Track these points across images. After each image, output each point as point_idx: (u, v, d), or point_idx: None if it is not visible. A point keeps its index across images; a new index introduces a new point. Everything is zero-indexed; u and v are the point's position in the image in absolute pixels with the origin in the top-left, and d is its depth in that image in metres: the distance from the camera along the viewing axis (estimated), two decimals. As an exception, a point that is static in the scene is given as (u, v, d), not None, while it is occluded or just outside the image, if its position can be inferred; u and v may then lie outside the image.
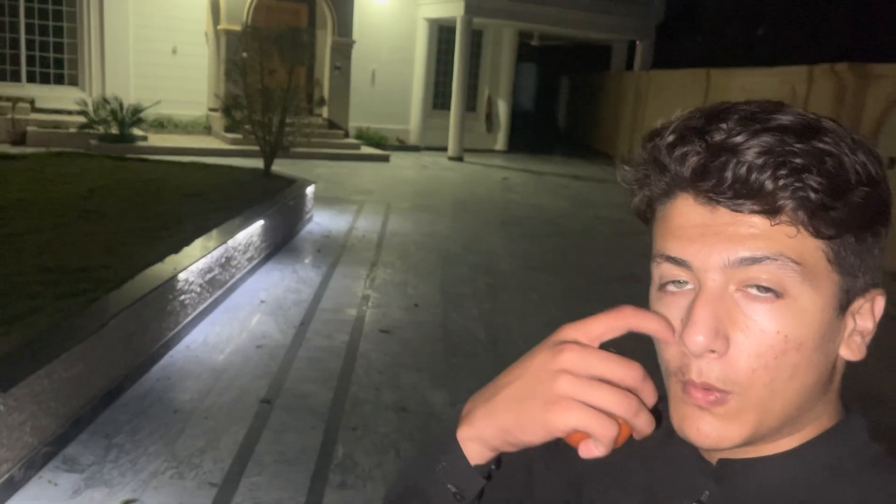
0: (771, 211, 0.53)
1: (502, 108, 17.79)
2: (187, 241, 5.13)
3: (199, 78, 14.36)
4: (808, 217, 0.52)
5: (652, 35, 17.50)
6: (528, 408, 0.55)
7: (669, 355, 0.58)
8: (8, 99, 12.28)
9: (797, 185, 0.52)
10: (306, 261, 6.88)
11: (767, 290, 0.53)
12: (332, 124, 14.51)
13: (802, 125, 0.54)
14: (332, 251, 7.21)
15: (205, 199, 6.81)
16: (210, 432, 3.48)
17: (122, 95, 12.69)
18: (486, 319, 5.51)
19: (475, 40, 16.54)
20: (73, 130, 12.04)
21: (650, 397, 0.55)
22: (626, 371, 0.55)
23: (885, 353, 1.80)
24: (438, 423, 0.65)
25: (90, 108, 12.16)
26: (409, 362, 4.59)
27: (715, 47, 17.12)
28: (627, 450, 0.67)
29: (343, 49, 14.84)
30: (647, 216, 0.62)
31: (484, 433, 0.58)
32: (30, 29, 13.31)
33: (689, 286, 0.57)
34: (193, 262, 4.73)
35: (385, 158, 14.33)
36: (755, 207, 0.53)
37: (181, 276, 4.51)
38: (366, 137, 15.40)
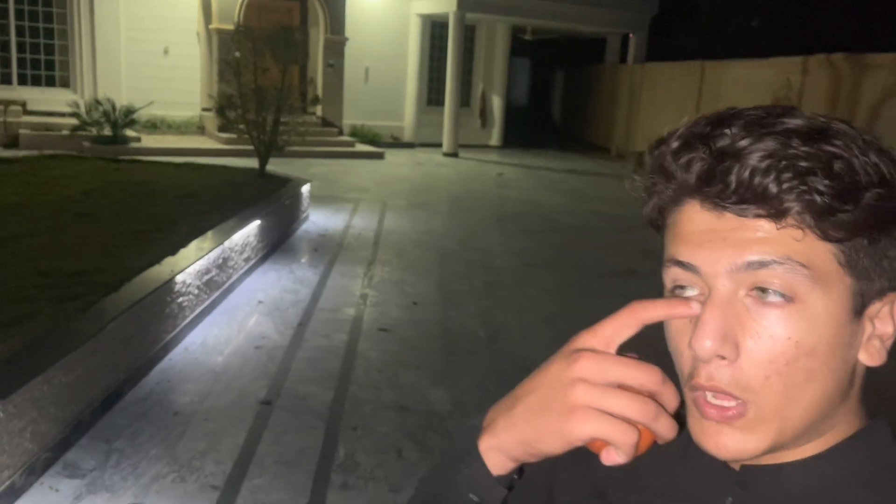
0: (776, 214, 0.52)
1: (497, 104, 17.78)
2: (183, 243, 5.11)
3: (191, 78, 14.31)
4: (815, 220, 0.52)
5: (646, 28, 17.49)
6: (546, 419, 0.55)
7: (682, 361, 0.58)
8: (0, 102, 12.23)
9: (802, 187, 0.51)
10: (303, 260, 6.87)
11: (777, 294, 0.53)
12: (325, 122, 14.48)
13: (810, 128, 0.53)
14: (329, 250, 7.19)
15: (200, 200, 6.78)
16: (210, 435, 3.47)
17: (114, 97, 12.63)
18: (485, 316, 5.50)
19: (468, 36, 16.52)
20: (65, 133, 11.98)
21: (671, 401, 0.55)
22: (644, 375, 0.55)
23: None
24: (460, 432, 0.65)
25: (82, 110, 12.11)
26: (409, 361, 4.58)
27: (709, 39, 17.11)
28: (650, 455, 0.67)
29: (336, 47, 14.80)
30: (658, 223, 0.61)
31: (504, 444, 0.58)
32: (20, 31, 13.26)
33: (699, 291, 0.56)
34: (190, 264, 4.71)
35: (380, 156, 14.31)
36: (760, 211, 0.53)
37: (178, 278, 4.49)
38: (360, 135, 15.38)
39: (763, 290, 0.53)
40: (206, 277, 4.99)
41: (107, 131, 11.97)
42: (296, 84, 10.50)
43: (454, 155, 15.39)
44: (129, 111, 12.31)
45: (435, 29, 16.56)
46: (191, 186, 7.49)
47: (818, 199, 0.51)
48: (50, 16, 13.42)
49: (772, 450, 0.56)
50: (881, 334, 0.57)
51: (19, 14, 13.15)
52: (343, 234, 7.92)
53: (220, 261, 5.29)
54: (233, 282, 5.61)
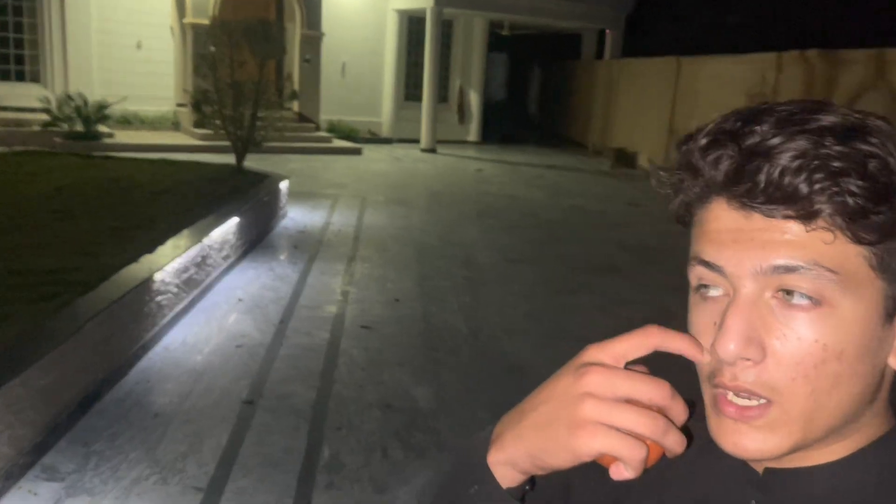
0: (806, 216, 0.51)
1: (474, 99, 17.76)
2: (161, 241, 5.03)
3: (165, 73, 14.11)
4: (847, 222, 0.50)
5: (621, 24, 17.57)
6: (554, 433, 0.55)
7: (702, 361, 0.57)
8: (-32, 97, 11.97)
9: (834, 189, 0.50)
10: (283, 257, 6.80)
11: (804, 297, 0.51)
12: (302, 118, 14.36)
13: (844, 126, 0.51)
14: (309, 247, 7.13)
15: (177, 197, 6.68)
16: (192, 436, 3.41)
17: (86, 92, 12.42)
18: (467, 313, 5.48)
19: (445, 31, 16.47)
20: (36, 128, 11.76)
21: (679, 415, 0.54)
22: (653, 390, 0.54)
23: None
24: (468, 445, 0.63)
25: (53, 106, 11.88)
26: (392, 358, 4.55)
27: (685, 35, 17.23)
28: (670, 460, 0.65)
29: (312, 42, 14.68)
30: (685, 220, 0.59)
31: (513, 458, 0.58)
32: (-12, 25, 12.97)
33: (724, 292, 0.55)
34: (169, 262, 4.63)
35: (357, 151, 14.23)
36: (789, 213, 0.51)
37: (157, 276, 4.41)
38: (337, 130, 15.28)
39: (789, 292, 0.52)
40: (185, 276, 4.92)
41: (79, 127, 11.76)
42: (273, 79, 10.39)
43: (432, 150, 15.36)
44: (102, 106, 12.11)
45: (412, 24, 16.49)
46: (167, 183, 7.38)
47: (850, 200, 0.49)
48: (19, 9, 13.15)
49: (792, 451, 0.55)
50: None
51: (-13, 7, 12.88)
52: (322, 231, 7.86)
53: (199, 258, 5.21)
54: (212, 280, 5.53)
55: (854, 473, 0.56)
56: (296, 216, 8.35)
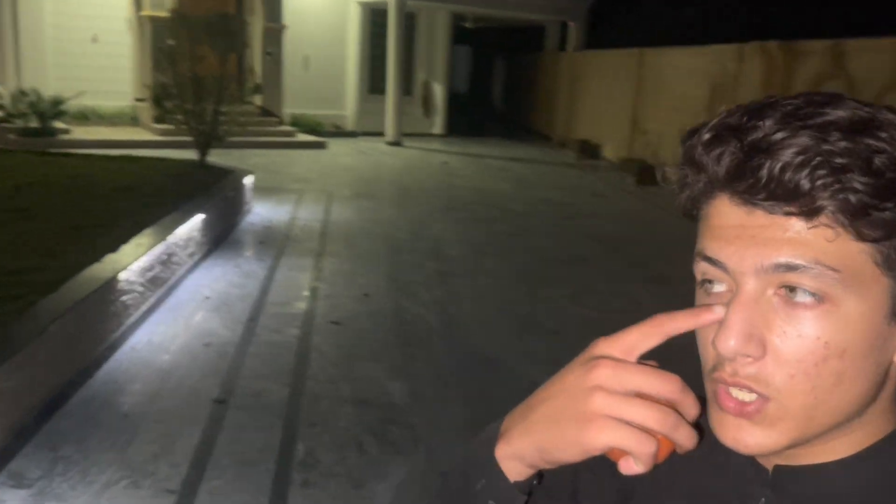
0: (808, 213, 0.50)
1: (439, 92, 17.73)
2: (125, 239, 4.92)
3: (122, 67, 13.81)
4: (850, 220, 0.50)
5: (584, 16, 17.67)
6: (563, 427, 0.54)
7: (706, 355, 0.57)
8: (-84, 93, 11.57)
9: (836, 185, 0.49)
10: (249, 254, 6.72)
11: (807, 294, 0.51)
12: (265, 112, 14.17)
13: (852, 120, 0.51)
14: (276, 243, 7.05)
15: (139, 194, 6.55)
16: (163, 436, 3.35)
17: (41, 87, 12.08)
18: (439, 306, 5.48)
19: (409, 23, 16.38)
20: (-11, 125, 11.42)
21: (690, 410, 0.54)
22: (664, 384, 0.53)
23: None
24: (477, 439, 0.63)
25: (7, 101, 11.55)
26: (364, 353, 4.53)
27: (648, 27, 17.40)
28: (678, 456, 0.65)
29: (274, 35, 14.49)
30: (691, 214, 0.59)
31: (521, 452, 0.57)
32: (-64, 18, 12.55)
33: (727, 287, 0.55)
34: (133, 261, 4.54)
35: (322, 145, 14.11)
36: (791, 209, 0.50)
37: (121, 275, 4.32)
38: (301, 124, 15.12)
39: (792, 289, 0.52)
40: (150, 274, 4.83)
41: (34, 123, 11.45)
42: (235, 73, 10.23)
43: (398, 144, 15.29)
44: (58, 102, 11.80)
45: (375, 17, 16.37)
46: (129, 180, 7.22)
47: (853, 197, 0.49)
48: (-32, 2, 12.74)
49: (792, 447, 0.55)
50: None
51: (-66, 0, 12.45)
52: (289, 226, 7.78)
53: (164, 256, 5.12)
54: (178, 278, 5.44)
55: (862, 471, 0.57)
56: (261, 212, 8.24)
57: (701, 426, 0.56)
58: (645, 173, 11.65)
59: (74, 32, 13.40)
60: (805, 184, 0.49)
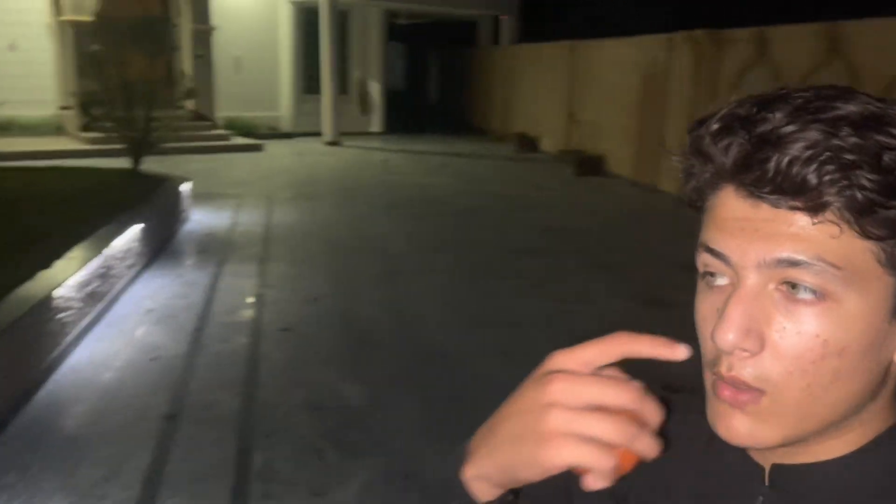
0: (813, 208, 0.50)
1: (375, 89, 17.60)
2: (58, 254, 4.73)
3: (44, 74, 13.26)
4: (855, 217, 0.49)
5: (515, 9, 17.80)
6: (522, 447, 0.53)
7: (705, 347, 0.57)
8: None
9: (844, 182, 0.48)
10: (190, 263, 6.55)
11: (808, 291, 0.51)
12: (198, 116, 13.82)
13: (863, 115, 0.50)
14: (217, 250, 6.88)
15: (72, 207, 6.30)
16: (112, 458, 3.23)
17: (-43, 98, 11.52)
18: (389, 306, 5.44)
19: (341, 21, 16.21)
20: None
21: (652, 417, 0.52)
22: (621, 393, 0.52)
23: None
24: (451, 457, 0.62)
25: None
26: (316, 359, 4.46)
27: (580, 19, 17.63)
28: (674, 457, 0.64)
29: (203, 36, 14.14)
30: (696, 205, 0.58)
31: (486, 473, 0.56)
32: None
33: (729, 280, 0.54)
34: (69, 276, 4.36)
35: (258, 148, 13.85)
36: (796, 204, 0.50)
37: (56, 292, 4.15)
38: (236, 127, 14.80)
39: (794, 285, 0.51)
40: (88, 289, 4.65)
41: (-49, 136, 10.90)
42: (165, 77, 9.93)
43: (336, 143, 15.13)
44: (-25, 113, 11.25)
45: (307, 16, 16.13)
46: (60, 192, 6.94)
47: (860, 194, 0.48)
48: None
49: (787, 443, 0.55)
50: None
51: None
52: (230, 232, 7.61)
53: (102, 270, 4.94)
54: (117, 291, 5.26)
55: (860, 469, 0.56)
56: (200, 219, 8.04)
57: (667, 434, 0.55)
58: (583, 164, 11.82)
59: (-10, 40, 12.81)
60: (812, 179, 0.49)
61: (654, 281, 6.21)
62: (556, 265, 6.66)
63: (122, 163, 8.55)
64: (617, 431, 0.50)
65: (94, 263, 4.80)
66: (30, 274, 4.29)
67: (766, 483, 0.59)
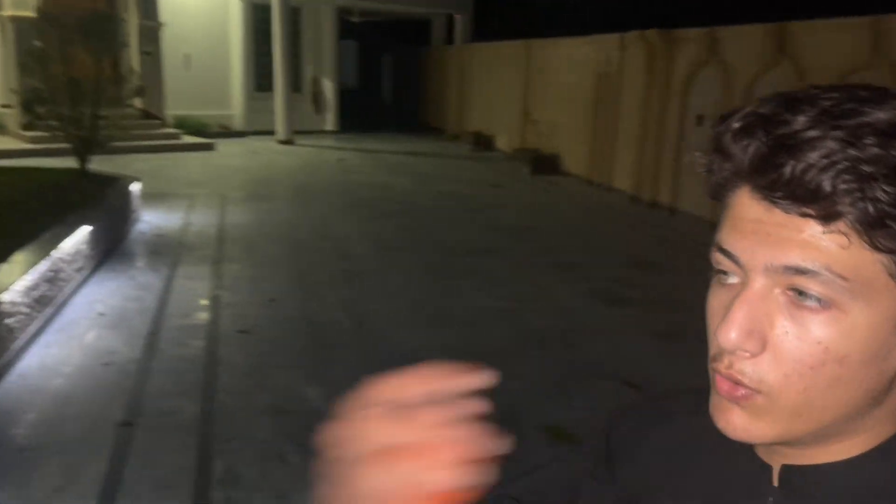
0: (825, 217, 0.49)
1: (329, 88, 17.45)
2: (3, 257, 4.55)
3: (-17, 71, 12.77)
4: (868, 229, 0.49)
5: (469, 8, 17.84)
6: None
7: (710, 343, 0.57)
8: None
9: (858, 193, 0.48)
10: (142, 265, 6.38)
11: (814, 299, 0.50)
12: (147, 114, 13.50)
13: (890, 123, 0.49)
14: (170, 251, 6.72)
15: (17, 208, 6.07)
16: (67, 468, 3.12)
17: None
18: (349, 306, 5.38)
19: (294, 19, 16.01)
20: None
21: (451, 450, 0.49)
22: (409, 432, 0.49)
23: None
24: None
25: None
26: (277, 361, 4.39)
27: (534, 18, 17.74)
28: (684, 457, 0.64)
29: (151, 33, 13.81)
30: (719, 199, 0.58)
31: None
32: None
33: (739, 280, 0.54)
34: (15, 280, 4.20)
35: (210, 147, 13.60)
36: (808, 211, 0.49)
37: (2, 297, 3.99)
38: (186, 126, 14.50)
39: (800, 291, 0.51)
40: (36, 293, 4.48)
41: None
42: (112, 74, 9.66)
43: (290, 142, 14.95)
44: None
45: (258, 12, 15.89)
46: (4, 193, 6.69)
47: (873, 207, 0.48)
48: None
49: (783, 440, 0.55)
50: None
51: None
52: (183, 233, 7.44)
53: (50, 273, 4.77)
54: (67, 295, 5.09)
55: (869, 471, 0.57)
56: (151, 220, 7.85)
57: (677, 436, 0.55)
58: (539, 163, 11.91)
59: (-76, 35, 12.29)
60: (826, 187, 0.48)
61: (612, 278, 6.29)
62: (514, 264, 6.69)
63: (68, 162, 8.28)
64: (410, 483, 0.48)
65: (42, 267, 4.63)
66: (-26, 278, 4.12)
67: (776, 483, 0.59)
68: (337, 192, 10.08)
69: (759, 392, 0.53)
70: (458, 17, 17.92)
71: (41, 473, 3.06)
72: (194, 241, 7.12)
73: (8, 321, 4.04)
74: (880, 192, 0.47)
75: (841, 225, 0.49)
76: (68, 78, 7.87)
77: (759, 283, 0.52)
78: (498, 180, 11.36)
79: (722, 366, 0.54)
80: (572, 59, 11.63)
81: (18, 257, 4.64)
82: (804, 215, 0.49)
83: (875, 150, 0.48)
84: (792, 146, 0.49)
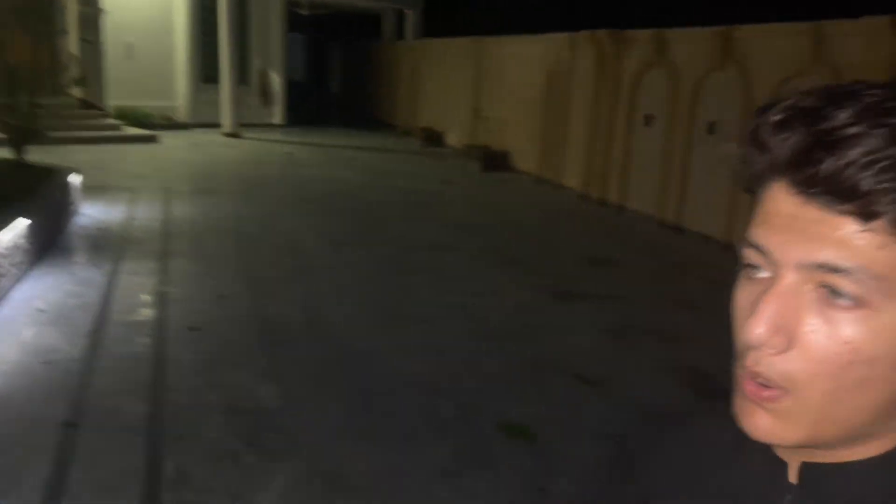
0: (863, 216, 0.48)
1: (277, 81, 17.16)
2: (-64, 251, 4.33)
3: None
4: None
5: (420, 4, 17.78)
6: None
7: (738, 339, 0.55)
8: None
9: None
10: (83, 260, 6.16)
11: (846, 298, 0.49)
12: (86, 104, 13.05)
13: None
14: (112, 246, 6.51)
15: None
16: (6, 471, 2.99)
17: None
18: (300, 302, 5.30)
19: (241, 9, 15.69)
20: None
21: None
22: None
23: None
24: None
25: None
26: (227, 358, 4.29)
27: (485, 15, 17.78)
28: (701, 458, 0.63)
29: (91, 20, 13.34)
30: (753, 192, 0.56)
31: None
32: None
33: (769, 275, 0.53)
34: (-51, 275, 4.00)
35: (153, 139, 13.22)
36: (846, 208, 0.48)
37: (-64, 292, 3.80)
38: (128, 117, 14.07)
39: (832, 289, 0.50)
40: (-29, 289, 4.28)
41: None
42: (51, 62, 9.29)
43: (236, 135, 14.65)
44: None
45: (205, 2, 15.53)
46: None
47: None
48: None
49: (810, 444, 0.54)
50: None
51: None
52: (126, 227, 7.22)
53: (-14, 268, 4.56)
54: (3, 291, 4.88)
55: (890, 471, 0.56)
56: (92, 213, 7.59)
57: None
58: (489, 160, 11.95)
59: None
60: (866, 185, 0.47)
61: (562, 274, 6.35)
62: (465, 260, 6.69)
63: (2, 153, 7.94)
64: None
65: (-22, 261, 4.43)
66: None
67: (796, 482, 0.58)
68: (286, 187, 9.92)
69: (785, 392, 0.52)
70: (408, 13, 17.85)
71: (-21, 477, 2.92)
72: (138, 236, 6.92)
73: (-60, 318, 3.85)
74: None
75: (879, 224, 0.48)
76: (3, 64, 7.54)
77: (789, 278, 0.51)
78: (448, 176, 11.35)
79: (749, 362, 0.53)
80: (523, 58, 11.70)
81: (-49, 251, 4.43)
82: (842, 213, 0.48)
83: None
84: (833, 142, 0.48)
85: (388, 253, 6.79)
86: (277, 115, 17.16)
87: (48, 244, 6.12)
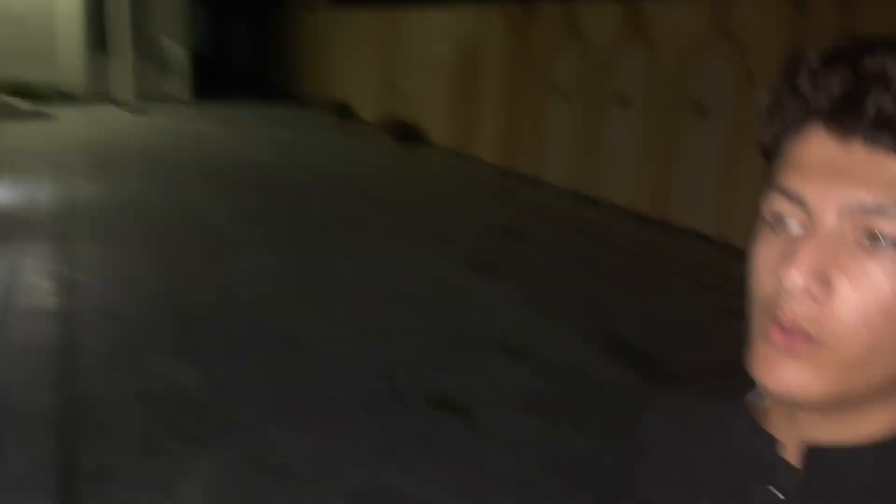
0: None
1: (179, 53, 16.44)
2: None
3: None
4: None
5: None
6: None
7: (762, 289, 0.52)
8: None
9: None
10: (-23, 245, 5.78)
11: (891, 243, 0.47)
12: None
13: None
14: (9, 229, 6.13)
15: None
16: None
17: None
18: (215, 283, 5.15)
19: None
20: None
21: None
22: None
23: None
24: None
25: None
26: (142, 344, 4.14)
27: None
28: (701, 447, 0.62)
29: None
30: (772, 152, 0.54)
31: None
32: None
33: (800, 226, 0.50)
34: None
35: (44, 114, 12.47)
36: (894, 145, 0.47)
37: None
38: (17, 92, 13.18)
39: (875, 235, 0.48)
40: None
41: None
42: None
43: (138, 110, 13.99)
44: None
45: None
46: None
47: None
48: None
49: (833, 401, 0.51)
50: None
51: None
52: (24, 210, 6.81)
53: None
54: None
55: (893, 457, 0.53)
56: (-15, 195, 7.12)
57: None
58: (403, 133, 11.88)
59: None
60: None
61: (481, 247, 6.41)
62: (383, 235, 6.66)
63: None
64: None
65: None
66: None
67: (799, 465, 0.56)
68: (192, 164, 9.57)
69: (823, 344, 0.49)
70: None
71: None
72: (38, 218, 6.55)
73: None
74: None
75: None
76: None
77: (829, 223, 0.49)
78: (362, 151, 11.23)
79: (783, 313, 0.49)
80: (435, 29, 11.63)
81: None
82: (889, 150, 0.47)
83: None
84: (879, 78, 0.47)
85: (304, 230, 6.67)
86: (182, 88, 16.48)
87: (-65, 229, 5.71)
